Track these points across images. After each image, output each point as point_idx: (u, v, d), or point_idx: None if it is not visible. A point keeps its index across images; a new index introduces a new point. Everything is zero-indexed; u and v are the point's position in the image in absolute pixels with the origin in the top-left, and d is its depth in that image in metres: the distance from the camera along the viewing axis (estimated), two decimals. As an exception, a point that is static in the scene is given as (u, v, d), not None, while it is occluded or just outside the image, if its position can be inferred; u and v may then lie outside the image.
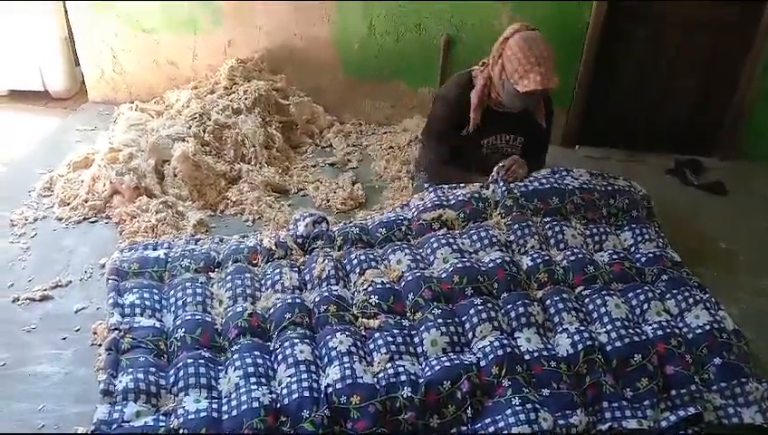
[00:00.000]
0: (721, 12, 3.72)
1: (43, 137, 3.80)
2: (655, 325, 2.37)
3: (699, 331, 2.36)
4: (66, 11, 4.04)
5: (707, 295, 2.53)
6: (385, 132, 4.05)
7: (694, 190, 3.68)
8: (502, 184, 2.80)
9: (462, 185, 2.85)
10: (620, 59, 3.89)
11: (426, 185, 2.99)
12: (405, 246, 2.62)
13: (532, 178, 2.82)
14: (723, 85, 3.89)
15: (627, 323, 2.35)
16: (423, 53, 3.89)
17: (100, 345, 2.29)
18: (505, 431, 2.01)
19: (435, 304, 2.37)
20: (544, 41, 2.69)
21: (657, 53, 3.85)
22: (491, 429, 2.04)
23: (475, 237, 2.64)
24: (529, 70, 2.66)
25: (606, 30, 3.73)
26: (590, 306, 2.43)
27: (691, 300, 2.47)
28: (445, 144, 2.98)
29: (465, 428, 2.08)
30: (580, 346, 2.24)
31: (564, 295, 2.44)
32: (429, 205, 2.76)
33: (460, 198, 2.77)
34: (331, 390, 2.05)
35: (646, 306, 2.44)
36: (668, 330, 2.34)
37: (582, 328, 2.32)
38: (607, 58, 3.84)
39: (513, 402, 2.07)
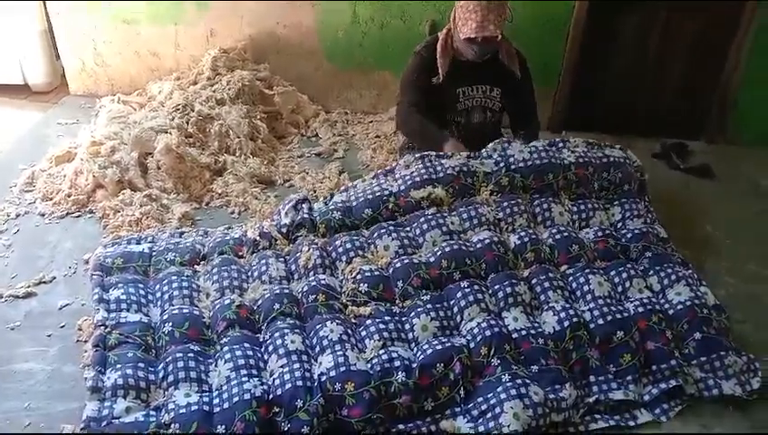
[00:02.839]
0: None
1: (24, 131, 3.74)
2: (636, 302, 2.40)
3: (680, 307, 2.40)
4: (45, 3, 3.97)
5: (690, 271, 2.57)
6: (371, 121, 4.04)
7: (680, 174, 3.69)
8: (499, 158, 2.77)
9: (450, 155, 2.80)
10: (607, 45, 3.89)
11: (415, 155, 2.91)
12: (392, 228, 2.59)
13: (531, 150, 2.78)
14: (709, 69, 3.90)
15: (609, 301, 2.39)
16: (408, 39, 3.84)
17: (85, 342, 2.27)
18: (498, 408, 2.03)
19: (424, 290, 2.38)
20: None
21: (644, 37, 3.85)
22: (483, 407, 2.07)
23: (465, 216, 2.63)
24: (468, 17, 2.74)
25: (592, 15, 3.72)
26: (574, 284, 2.46)
27: (674, 277, 2.51)
28: (414, 90, 3.01)
29: (459, 408, 2.11)
30: (566, 323, 2.28)
31: (550, 274, 2.46)
32: (418, 179, 2.70)
33: (449, 172, 2.71)
34: (324, 378, 2.04)
35: (628, 284, 2.47)
36: (650, 307, 2.38)
37: (568, 305, 2.35)
38: (593, 44, 3.83)
39: (504, 380, 2.10)
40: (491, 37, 2.75)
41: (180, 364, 2.10)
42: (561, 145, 2.84)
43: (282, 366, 2.09)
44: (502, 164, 2.75)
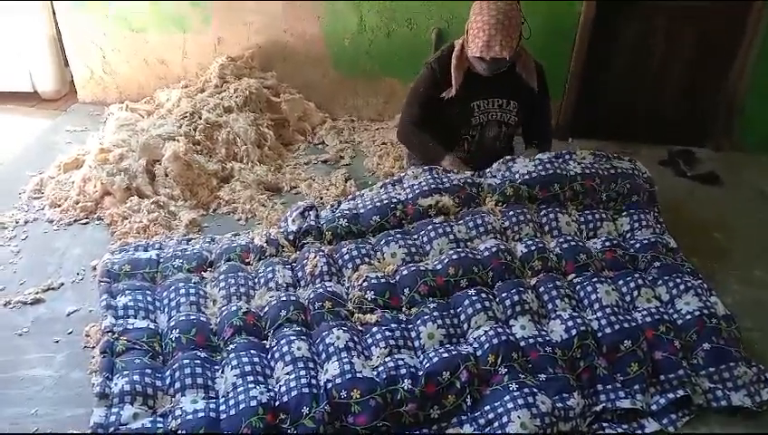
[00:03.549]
0: (713, 2, 3.72)
1: (32, 138, 3.77)
2: (644, 312, 2.39)
3: (689, 317, 2.38)
4: (54, 11, 4.01)
5: (699, 281, 2.55)
6: (377, 128, 4.05)
7: (687, 181, 3.68)
8: (504, 177, 2.77)
9: (455, 170, 2.82)
10: (613, 51, 3.88)
11: (423, 167, 2.91)
12: (399, 236, 2.60)
13: (537, 163, 2.79)
14: (715, 76, 3.89)
15: (617, 310, 2.38)
16: (414, 47, 3.87)
17: (93, 348, 2.27)
18: (505, 416, 2.03)
19: (430, 298, 2.37)
20: (506, 7, 2.66)
21: (650, 45, 3.85)
22: (490, 415, 2.06)
23: (471, 224, 2.63)
24: (475, 36, 2.69)
25: (598, 23, 3.72)
26: (581, 293, 2.45)
27: (682, 286, 2.49)
28: (418, 105, 2.98)
29: (465, 416, 2.10)
30: (573, 331, 2.27)
31: (558, 283, 2.45)
32: (426, 188, 2.72)
33: (455, 183, 2.74)
34: (330, 385, 2.04)
35: (636, 293, 2.46)
36: (657, 316, 2.36)
37: (575, 314, 2.34)
38: (599, 51, 3.82)
39: (511, 388, 2.09)
40: (498, 58, 2.70)
41: (187, 371, 2.10)
42: (567, 157, 2.83)
43: (288, 373, 2.09)
44: (507, 177, 2.76)
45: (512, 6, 2.69)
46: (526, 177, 2.75)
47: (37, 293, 2.56)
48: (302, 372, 2.08)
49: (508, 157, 2.88)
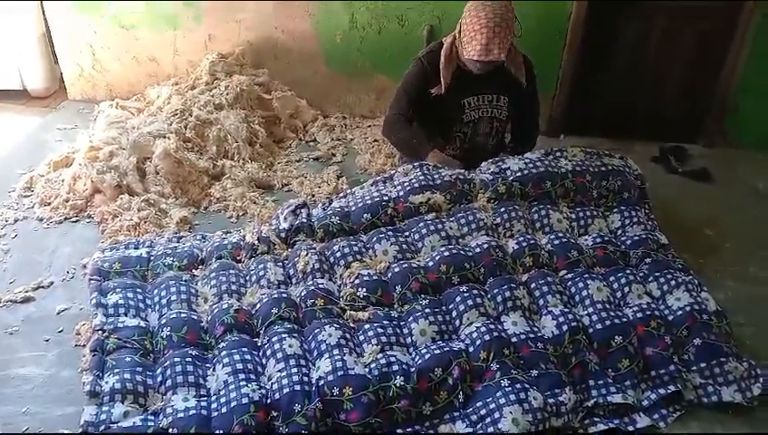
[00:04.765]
0: (711, 2, 3.73)
1: (22, 136, 3.75)
2: (635, 308, 2.40)
3: (680, 312, 2.39)
4: (43, 9, 3.98)
5: (690, 277, 2.56)
6: (369, 125, 4.04)
7: (679, 178, 3.69)
8: (496, 171, 2.78)
9: (447, 167, 2.82)
10: (606, 48, 3.89)
11: (414, 164, 2.91)
12: (390, 233, 2.59)
13: (527, 161, 2.79)
14: (708, 73, 3.90)
15: (608, 306, 2.38)
16: (406, 44, 3.87)
17: (83, 346, 2.26)
18: (497, 412, 2.03)
19: (422, 295, 2.37)
20: (501, 9, 2.65)
21: (643, 41, 3.85)
22: (482, 411, 2.06)
23: (462, 221, 2.63)
24: (471, 38, 2.68)
25: (591, 19, 3.73)
26: (573, 289, 2.46)
27: (673, 282, 2.50)
28: (406, 100, 2.97)
29: (458, 413, 2.10)
30: (565, 327, 2.28)
31: (549, 279, 2.46)
32: (417, 185, 2.71)
33: (446, 179, 2.74)
34: (322, 382, 2.04)
35: (627, 289, 2.47)
36: (648, 312, 2.37)
37: (567, 310, 2.35)
38: (592, 47, 3.83)
39: (503, 384, 2.09)
40: (495, 60, 2.70)
41: (178, 369, 2.10)
42: (558, 154, 2.84)
43: (280, 370, 2.09)
44: (498, 175, 2.76)
45: (507, 8, 2.68)
46: (518, 174, 2.75)
47: (27, 291, 2.55)
48: (294, 370, 2.08)
49: (497, 158, 2.88)
